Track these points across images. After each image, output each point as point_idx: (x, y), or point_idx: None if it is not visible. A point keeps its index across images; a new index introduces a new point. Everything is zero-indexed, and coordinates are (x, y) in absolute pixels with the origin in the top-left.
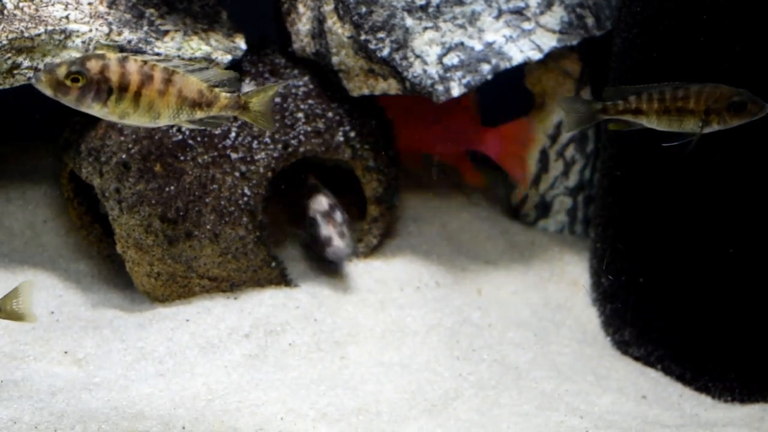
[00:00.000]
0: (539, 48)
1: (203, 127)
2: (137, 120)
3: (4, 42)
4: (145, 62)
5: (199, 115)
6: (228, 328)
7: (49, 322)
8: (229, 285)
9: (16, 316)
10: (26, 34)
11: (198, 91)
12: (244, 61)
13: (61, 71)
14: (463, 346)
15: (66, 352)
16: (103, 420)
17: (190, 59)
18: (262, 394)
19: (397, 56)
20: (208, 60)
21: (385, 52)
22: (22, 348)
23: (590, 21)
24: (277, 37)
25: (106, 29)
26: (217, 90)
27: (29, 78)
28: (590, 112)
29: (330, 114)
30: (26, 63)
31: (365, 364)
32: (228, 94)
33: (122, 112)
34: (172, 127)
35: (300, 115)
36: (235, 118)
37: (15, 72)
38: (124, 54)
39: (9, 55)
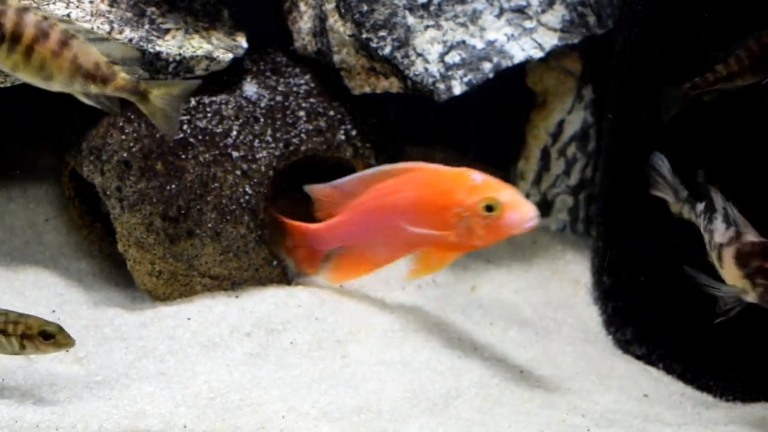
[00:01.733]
0: (541, 46)
1: (100, 106)
2: (28, 77)
3: None
4: (46, 18)
5: (94, 89)
6: (229, 327)
7: None
8: (230, 283)
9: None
10: None
11: (95, 63)
12: (245, 60)
13: None
14: (465, 344)
15: (67, 351)
16: (105, 418)
17: (192, 57)
18: (263, 393)
19: (398, 54)
20: (210, 59)
21: (387, 50)
22: None
23: (592, 19)
24: (279, 35)
25: (107, 27)
26: (117, 68)
27: None
28: (680, 93)
29: (331, 112)
30: None
31: (366, 362)
32: (127, 76)
33: (13, 64)
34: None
35: (301, 113)
36: (236, 117)
37: None
38: (26, 5)
39: None
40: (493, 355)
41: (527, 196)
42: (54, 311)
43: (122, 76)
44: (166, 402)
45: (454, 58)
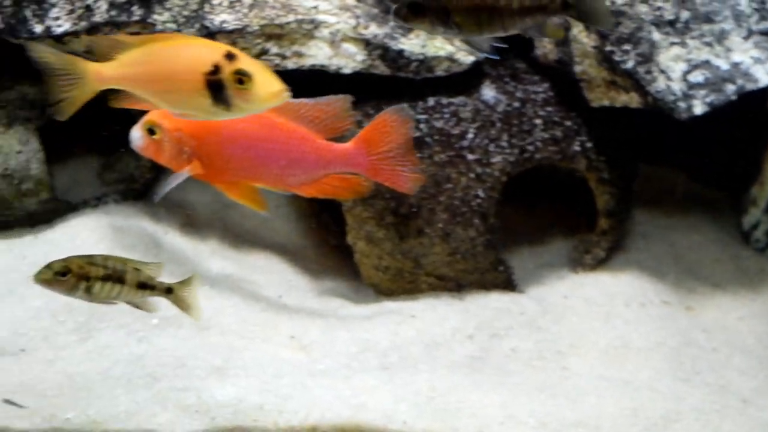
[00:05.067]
0: None
1: None
2: None
3: (256, 28)
4: None
5: None
6: (452, 328)
7: (277, 306)
8: (455, 285)
9: (183, 305)
10: (276, 22)
11: None
12: (484, 64)
13: None
14: (687, 367)
15: (292, 337)
16: (326, 407)
17: (434, 58)
18: (482, 397)
19: (641, 69)
20: (451, 60)
21: (630, 64)
22: (251, 329)
23: None
24: (518, 41)
25: (353, 22)
26: None
27: (276, 65)
28: None
29: (568, 123)
30: (274, 50)
31: (587, 376)
32: None
33: None
34: None
35: (538, 121)
36: (472, 120)
37: (262, 57)
38: None
39: (259, 41)
40: (715, 382)
41: (758, 223)
42: (281, 296)
43: None
44: (386, 397)
45: (697, 77)
